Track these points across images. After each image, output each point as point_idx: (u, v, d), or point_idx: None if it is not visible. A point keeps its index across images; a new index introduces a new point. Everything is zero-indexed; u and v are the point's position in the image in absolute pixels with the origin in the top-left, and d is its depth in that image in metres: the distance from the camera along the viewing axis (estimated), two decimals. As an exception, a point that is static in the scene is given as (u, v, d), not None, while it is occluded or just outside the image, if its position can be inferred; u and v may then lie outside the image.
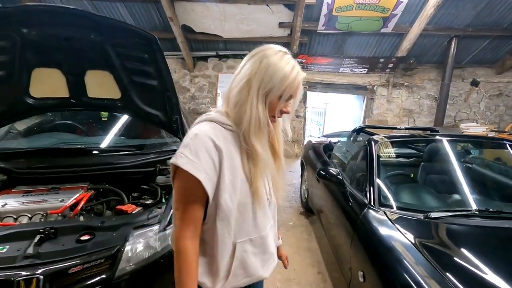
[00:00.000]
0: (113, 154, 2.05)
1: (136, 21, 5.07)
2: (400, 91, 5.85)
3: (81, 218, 1.52)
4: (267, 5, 4.69)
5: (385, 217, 1.57)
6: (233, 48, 5.80)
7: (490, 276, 1.16)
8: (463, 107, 5.83)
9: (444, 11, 4.48)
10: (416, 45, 5.08)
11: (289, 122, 0.99)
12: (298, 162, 4.08)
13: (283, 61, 0.80)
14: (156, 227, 1.55)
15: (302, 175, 3.86)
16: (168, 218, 1.59)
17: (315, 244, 2.78)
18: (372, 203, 1.73)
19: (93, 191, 1.81)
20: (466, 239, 1.42)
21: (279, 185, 0.98)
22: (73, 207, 1.65)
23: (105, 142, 2.28)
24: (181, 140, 2.24)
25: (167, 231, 1.54)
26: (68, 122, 2.56)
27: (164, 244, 1.51)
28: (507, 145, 2.30)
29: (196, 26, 5.18)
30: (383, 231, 1.48)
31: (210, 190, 0.78)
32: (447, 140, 2.24)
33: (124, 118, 2.57)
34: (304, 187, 3.61)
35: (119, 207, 1.66)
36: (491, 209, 1.57)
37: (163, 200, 1.78)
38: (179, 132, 2.19)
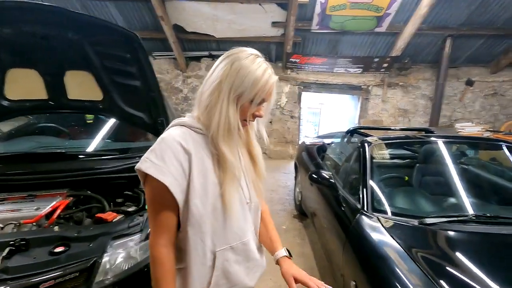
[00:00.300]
0: (95, 159, 1.95)
1: (127, 21, 4.97)
2: (395, 91, 5.81)
3: (56, 228, 1.43)
4: (259, 4, 4.61)
5: (378, 224, 1.50)
6: (226, 48, 5.52)
7: (487, 286, 1.09)
8: (458, 107, 5.80)
9: (438, 10, 4.44)
10: (411, 45, 5.04)
11: (264, 126, 0.96)
12: (293, 164, 4.01)
13: (254, 64, 0.78)
14: (137, 236, 1.46)
15: (295, 177, 3.78)
16: (150, 226, 1.50)
17: (308, 249, 2.70)
18: (365, 208, 1.66)
19: (72, 198, 1.71)
20: (463, 247, 1.35)
21: (258, 189, 0.93)
22: (49, 215, 1.55)
23: (89, 146, 2.18)
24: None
25: (146, 242, 1.46)
26: (51, 125, 2.45)
27: (146, 254, 1.42)
28: (503, 146, 2.25)
29: (188, 26, 5.09)
30: (376, 238, 1.41)
31: (179, 195, 0.76)
32: (442, 142, 2.17)
33: (111, 121, 2.47)
34: (297, 190, 3.53)
35: (98, 215, 1.57)
36: (488, 214, 1.51)
37: (146, 207, 1.69)
38: (165, 135, 2.10)
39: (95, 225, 1.48)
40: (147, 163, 0.74)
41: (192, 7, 4.71)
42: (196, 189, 0.77)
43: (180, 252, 0.82)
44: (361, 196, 1.74)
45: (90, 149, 2.13)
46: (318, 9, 4.50)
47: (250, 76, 0.77)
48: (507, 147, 2.21)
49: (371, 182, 1.80)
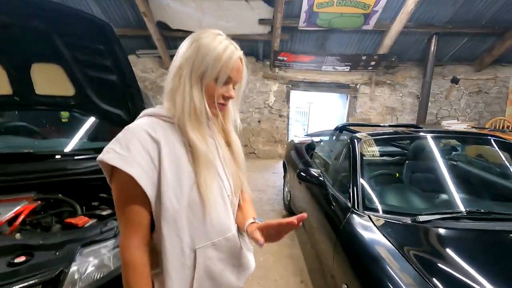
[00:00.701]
0: (67, 159, 1.81)
1: (108, 17, 4.78)
2: (383, 89, 5.82)
3: (18, 235, 1.29)
4: (246, 1, 4.51)
5: (370, 223, 1.42)
6: (213, 46, 5.58)
7: (483, 285, 1.02)
8: (444, 105, 5.86)
9: (424, 7, 4.45)
10: (398, 43, 5.05)
11: (237, 111, 0.88)
12: (281, 164, 3.93)
13: (215, 41, 0.73)
14: (110, 242, 1.34)
15: (284, 177, 3.70)
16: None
17: (298, 251, 2.61)
18: (356, 207, 1.58)
19: (40, 202, 1.57)
20: (457, 244, 1.29)
21: (239, 181, 0.84)
22: (12, 222, 1.41)
23: (61, 146, 2.03)
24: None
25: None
26: (19, 124, 2.28)
27: (119, 263, 1.30)
28: (492, 141, 2.22)
29: (173, 23, 4.95)
30: (368, 238, 1.33)
31: (148, 187, 0.68)
32: (432, 137, 2.13)
33: (88, 119, 2.32)
34: (286, 189, 3.45)
35: (68, 220, 1.44)
36: (482, 210, 1.45)
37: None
38: (144, 133, 1.98)
39: (63, 231, 1.35)
40: (110, 154, 0.66)
41: (177, 3, 4.57)
42: (169, 181, 0.69)
43: (156, 255, 0.74)
44: (351, 194, 1.66)
45: (63, 149, 1.98)
46: (305, 6, 4.44)
47: (211, 54, 0.72)
48: (495, 142, 2.18)
49: (361, 180, 1.72)
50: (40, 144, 2.04)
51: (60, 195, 1.69)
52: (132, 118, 1.87)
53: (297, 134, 8.10)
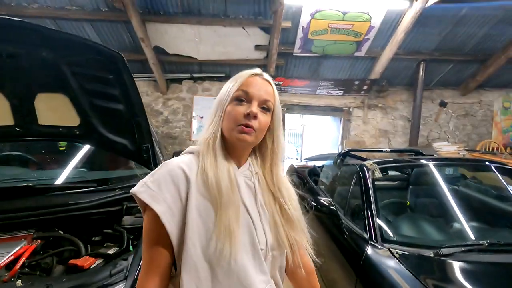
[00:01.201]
0: (69, 192, 1.71)
1: (104, 42, 4.78)
2: (375, 112, 5.97)
3: (19, 282, 1.17)
4: (243, 28, 4.64)
5: (392, 258, 1.38)
6: (209, 70, 5.65)
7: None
8: (434, 127, 6.04)
9: (413, 36, 4.68)
10: (388, 68, 5.25)
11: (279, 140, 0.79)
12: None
13: (234, 76, 0.77)
14: (121, 286, 1.23)
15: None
16: (136, 273, 1.28)
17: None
18: (374, 239, 1.54)
19: (40, 241, 1.45)
20: (484, 279, 1.26)
21: (284, 237, 0.74)
22: (11, 265, 1.28)
23: (61, 177, 1.93)
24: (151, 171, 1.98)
25: (135, 291, 1.23)
26: (17, 153, 2.17)
27: (131, 308, 1.20)
28: (492, 167, 2.25)
29: (170, 48, 4.99)
30: (394, 275, 1.28)
31: (171, 225, 0.64)
32: (437, 165, 2.15)
33: (86, 148, 2.23)
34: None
35: (72, 261, 1.32)
36: (502, 242, 1.44)
37: (131, 248, 1.46)
38: (150, 162, 1.90)
39: (69, 276, 1.23)
40: (142, 187, 0.67)
41: (175, 29, 4.64)
42: (195, 224, 0.65)
43: None
44: (367, 225, 1.63)
45: (63, 180, 1.88)
46: (300, 33, 4.59)
47: (229, 83, 0.76)
48: (496, 168, 2.21)
49: (375, 210, 1.70)
50: (41, 175, 1.94)
51: (60, 232, 1.58)
52: (138, 148, 1.83)
53: (290, 156, 8.11)
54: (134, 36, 4.69)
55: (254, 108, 0.70)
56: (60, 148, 2.32)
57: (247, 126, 0.69)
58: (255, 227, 0.71)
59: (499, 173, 2.12)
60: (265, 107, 0.73)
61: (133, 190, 0.67)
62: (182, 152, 0.77)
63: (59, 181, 1.86)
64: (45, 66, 1.51)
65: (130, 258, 1.35)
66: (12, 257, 1.28)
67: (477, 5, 4.14)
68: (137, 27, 4.28)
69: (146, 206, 0.66)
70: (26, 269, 1.33)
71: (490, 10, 4.28)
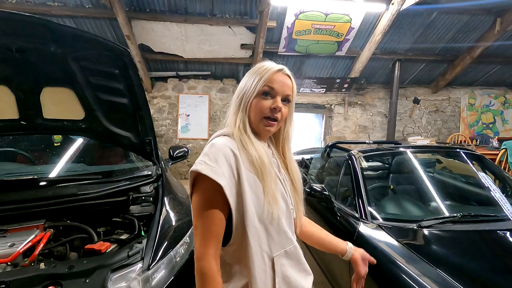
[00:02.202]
0: (75, 184, 1.75)
1: (87, 39, 4.70)
2: (355, 109, 6.28)
3: (42, 265, 1.22)
4: (229, 27, 4.74)
5: (381, 231, 1.57)
6: (194, 69, 5.70)
7: (489, 276, 1.20)
8: (408, 123, 6.45)
9: (389, 37, 5.01)
10: (367, 67, 5.56)
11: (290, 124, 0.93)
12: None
13: (254, 69, 0.85)
14: (138, 266, 1.32)
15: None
16: (152, 254, 1.37)
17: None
18: (364, 217, 1.72)
19: (52, 230, 1.50)
20: (458, 243, 1.48)
21: (297, 197, 0.91)
22: (28, 252, 1.33)
23: (63, 170, 1.96)
24: (154, 164, 2.05)
25: (151, 271, 1.32)
26: (9, 149, 2.16)
27: (149, 286, 1.29)
28: (461, 153, 2.52)
29: (155, 46, 4.99)
30: (384, 244, 1.46)
31: (231, 198, 0.74)
32: (415, 151, 2.39)
33: (79, 142, 2.26)
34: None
35: (89, 246, 1.39)
36: (472, 214, 1.67)
37: (143, 233, 1.55)
38: (152, 155, 1.98)
39: (90, 258, 1.30)
40: (203, 165, 0.74)
41: (161, 27, 4.66)
42: (248, 195, 0.76)
43: (232, 268, 0.80)
44: (357, 205, 1.81)
45: (66, 173, 1.91)
46: (285, 33, 4.77)
47: (251, 78, 0.83)
48: (465, 154, 2.49)
49: (364, 192, 1.88)
50: (40, 169, 1.94)
51: (68, 222, 1.63)
52: (141, 141, 1.90)
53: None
54: (118, 34, 4.65)
55: (279, 103, 0.81)
56: (55, 144, 2.33)
57: (272, 119, 0.82)
58: (286, 193, 0.86)
59: (467, 158, 2.40)
60: (286, 100, 0.84)
61: (194, 168, 0.74)
62: (215, 135, 0.85)
63: (62, 173, 1.89)
64: (53, 60, 1.55)
65: (144, 241, 1.44)
66: (30, 244, 1.33)
67: (446, 10, 4.51)
68: (123, 24, 4.26)
69: (198, 181, 0.75)
70: (40, 257, 1.38)
71: (456, 15, 4.68)
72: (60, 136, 2.31)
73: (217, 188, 0.73)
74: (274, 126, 0.84)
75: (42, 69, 1.57)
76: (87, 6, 4.26)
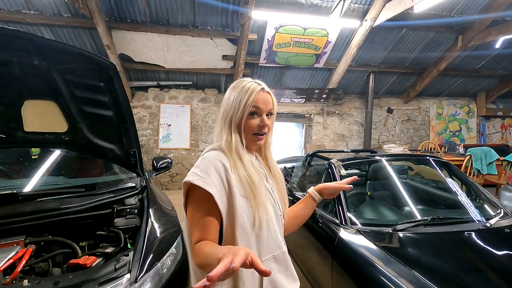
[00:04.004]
0: (57, 198, 1.72)
1: (65, 48, 4.59)
2: (333, 118, 6.51)
3: (25, 282, 1.20)
4: (211, 38, 4.82)
5: (360, 235, 1.66)
6: (176, 79, 5.70)
7: (458, 274, 1.32)
8: (383, 131, 6.78)
9: (363, 51, 5.30)
10: (344, 78, 5.82)
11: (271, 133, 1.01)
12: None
13: (238, 88, 0.90)
14: (125, 279, 1.32)
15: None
16: (139, 266, 1.38)
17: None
18: (344, 223, 1.82)
19: (34, 246, 1.46)
20: (430, 244, 1.60)
21: (283, 202, 0.99)
22: (9, 270, 1.29)
23: (43, 184, 1.91)
24: (139, 176, 2.05)
25: (138, 283, 1.33)
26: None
27: (137, 297, 1.29)
28: (431, 160, 2.72)
29: (136, 56, 4.96)
30: (364, 249, 1.56)
31: (221, 204, 0.81)
32: (389, 159, 2.54)
33: (57, 154, 2.21)
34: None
35: (73, 261, 1.37)
36: (441, 217, 1.81)
37: (129, 246, 1.54)
38: (137, 166, 1.99)
39: (74, 273, 1.29)
40: (194, 176, 0.81)
41: (142, 37, 4.65)
42: (240, 204, 0.83)
43: None
44: (338, 212, 1.90)
45: (46, 187, 1.87)
46: (265, 45, 4.91)
47: (236, 99, 0.89)
48: (433, 161, 2.68)
49: (344, 199, 1.98)
50: (17, 183, 1.89)
51: (50, 236, 1.60)
52: (126, 153, 1.91)
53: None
54: (98, 43, 4.59)
55: (266, 120, 0.90)
56: (33, 157, 2.27)
57: (261, 134, 0.91)
58: (274, 200, 0.94)
59: (435, 164, 2.59)
60: (269, 113, 0.93)
61: (187, 179, 0.82)
62: (207, 149, 0.92)
63: (45, 187, 1.85)
64: (36, 73, 1.55)
65: (131, 254, 1.44)
66: (11, 260, 1.30)
67: (414, 27, 4.86)
68: (103, 34, 4.22)
69: (192, 191, 0.82)
70: (21, 274, 1.35)
71: (423, 31, 5.05)
72: (38, 148, 2.25)
73: (208, 197, 0.79)
74: (263, 139, 0.93)
75: (24, 82, 1.56)
76: (65, 15, 4.19)
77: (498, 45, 5.17)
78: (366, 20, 4.53)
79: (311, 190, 1.09)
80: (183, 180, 0.83)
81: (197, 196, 0.82)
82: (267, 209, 0.86)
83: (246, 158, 0.90)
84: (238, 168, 0.86)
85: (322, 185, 1.08)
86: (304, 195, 2.10)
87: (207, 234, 0.81)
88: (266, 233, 0.86)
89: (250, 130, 0.90)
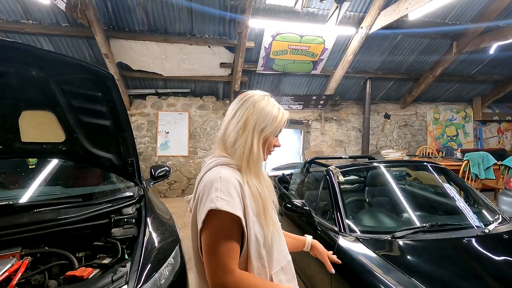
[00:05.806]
0: (54, 208, 1.70)
1: (63, 57, 4.61)
2: (331, 124, 6.54)
3: (21, 295, 1.18)
4: (208, 47, 4.86)
5: (359, 243, 1.66)
6: (174, 86, 5.72)
7: (457, 282, 1.31)
8: (381, 136, 6.81)
9: (360, 57, 5.35)
10: (341, 85, 5.86)
11: None
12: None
13: (270, 104, 0.95)
14: (122, 290, 1.31)
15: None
16: (136, 277, 1.36)
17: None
18: (343, 230, 1.81)
19: (30, 258, 1.45)
20: (429, 251, 1.59)
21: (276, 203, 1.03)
22: (4, 283, 1.28)
23: (40, 194, 1.90)
24: (137, 185, 2.04)
25: (136, 294, 1.31)
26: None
27: (134, 309, 1.27)
28: (429, 166, 2.72)
29: (134, 64, 4.99)
30: (363, 257, 1.55)
31: (245, 227, 0.83)
32: (387, 166, 2.55)
33: (54, 163, 2.20)
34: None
35: (70, 273, 1.36)
36: (439, 223, 1.81)
37: (126, 256, 1.53)
38: (134, 175, 1.98)
39: (71, 285, 1.27)
40: (220, 202, 0.79)
41: (140, 46, 4.68)
42: (251, 217, 0.85)
43: None
44: (336, 219, 1.90)
45: (43, 197, 1.86)
46: (263, 53, 4.96)
47: (270, 114, 0.93)
48: (431, 167, 2.69)
49: (342, 207, 1.98)
50: (14, 194, 1.87)
51: (46, 248, 1.58)
52: (123, 162, 1.90)
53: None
54: (96, 52, 4.62)
55: (279, 142, 1.00)
56: (30, 166, 2.26)
57: (272, 151, 1.00)
58: (275, 214, 0.98)
59: (433, 170, 2.60)
60: None
61: (214, 206, 0.78)
62: (216, 164, 0.88)
63: (42, 198, 1.83)
64: (34, 84, 1.55)
65: (128, 265, 1.42)
66: (6, 273, 1.28)
67: (409, 34, 4.93)
68: (102, 43, 4.24)
69: (213, 215, 0.79)
70: (16, 287, 1.33)
71: (418, 38, 5.12)
72: (35, 159, 2.24)
73: (235, 220, 0.80)
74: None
75: (22, 92, 1.56)
76: (63, 25, 4.22)
77: (492, 51, 5.24)
78: (361, 28, 4.59)
79: (309, 239, 1.21)
80: (208, 208, 0.79)
81: (221, 221, 0.79)
82: (275, 223, 0.91)
83: (260, 172, 0.93)
84: (251, 183, 0.87)
85: (317, 244, 1.22)
86: (303, 202, 2.10)
87: (236, 260, 0.81)
88: (275, 247, 0.90)
89: (270, 147, 0.96)
